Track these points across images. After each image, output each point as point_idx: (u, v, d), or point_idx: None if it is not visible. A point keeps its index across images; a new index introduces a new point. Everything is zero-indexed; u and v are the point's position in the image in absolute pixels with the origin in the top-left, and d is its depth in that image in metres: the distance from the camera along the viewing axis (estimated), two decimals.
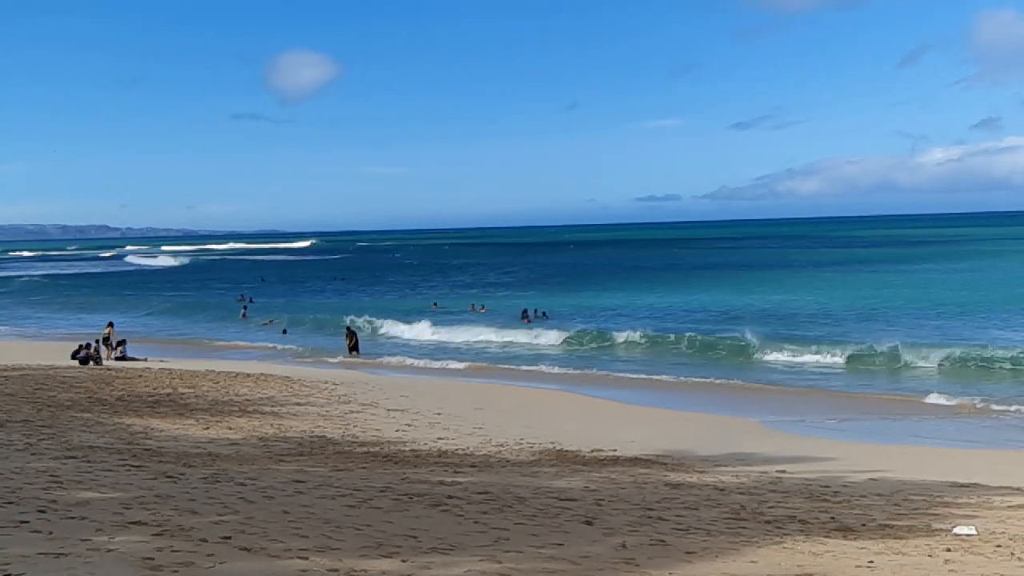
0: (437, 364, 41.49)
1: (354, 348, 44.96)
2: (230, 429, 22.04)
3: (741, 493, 15.76)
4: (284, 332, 55.26)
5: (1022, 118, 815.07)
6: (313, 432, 22.41)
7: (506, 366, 40.60)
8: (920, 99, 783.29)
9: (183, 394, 28.34)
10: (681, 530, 12.12)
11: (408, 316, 59.16)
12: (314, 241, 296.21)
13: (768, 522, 13.03)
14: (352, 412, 26.52)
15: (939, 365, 35.83)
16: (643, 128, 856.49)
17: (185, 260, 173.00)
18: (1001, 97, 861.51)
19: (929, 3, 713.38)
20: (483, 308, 63.38)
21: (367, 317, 56.93)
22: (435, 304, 67.99)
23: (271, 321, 60.30)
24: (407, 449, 20.59)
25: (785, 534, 12.16)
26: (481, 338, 48.38)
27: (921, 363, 36.10)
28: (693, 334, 43.96)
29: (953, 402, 29.31)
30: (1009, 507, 14.94)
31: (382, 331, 52.42)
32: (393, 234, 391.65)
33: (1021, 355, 35.33)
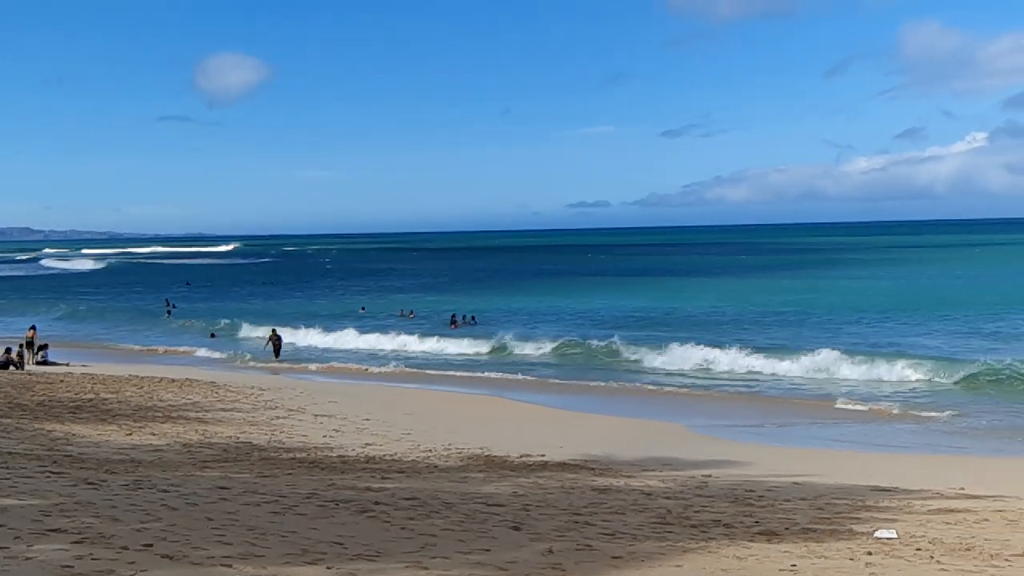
0: (365, 369, 41.27)
1: (277, 352, 44.65)
2: (153, 435, 21.71)
3: (667, 497, 15.88)
4: (212, 336, 54.60)
5: (945, 129, 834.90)
6: (239, 438, 22.16)
7: (435, 371, 40.49)
8: (846, 109, 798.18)
9: (105, 399, 27.86)
10: (608, 535, 12.17)
11: (336, 321, 58.81)
12: (237, 245, 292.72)
13: (694, 526, 13.14)
14: (279, 418, 26.27)
15: (857, 370, 36.23)
16: (575, 135, 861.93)
17: (105, 263, 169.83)
18: (925, 108, 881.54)
19: (856, 14, 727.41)
20: (412, 313, 63.17)
21: (295, 321, 56.44)
22: (363, 309, 67.64)
23: (189, 323, 59.62)
24: (334, 455, 20.44)
25: (710, 538, 12.26)
26: (410, 343, 48.16)
27: (842, 369, 36.52)
28: (613, 341, 44.05)
29: (865, 407, 29.82)
30: (929, 511, 15.22)
31: (310, 336, 51.94)
32: (322, 238, 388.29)
33: (939, 361, 36.00)
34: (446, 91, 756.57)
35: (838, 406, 30.28)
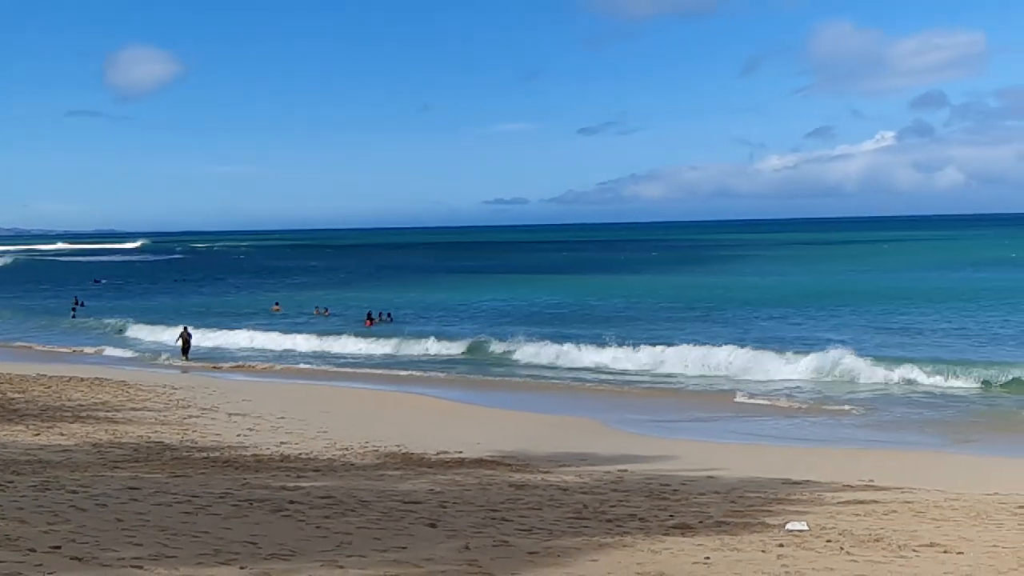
0: (280, 367, 40.88)
1: (186, 351, 44.01)
2: (62, 435, 21.24)
3: (584, 492, 15.97)
4: (119, 333, 53.62)
5: (854, 128, 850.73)
6: (150, 437, 21.79)
7: (351, 369, 40.27)
8: (759, 108, 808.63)
9: (12, 399, 27.18)
10: (524, 531, 12.20)
11: (249, 319, 58.17)
12: (145, 241, 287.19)
13: (609, 521, 13.24)
14: (191, 417, 25.89)
15: (770, 364, 36.53)
16: (492, 132, 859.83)
17: (8, 260, 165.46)
18: (835, 107, 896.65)
19: (770, 14, 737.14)
20: (327, 311, 62.65)
21: (207, 319, 55.68)
22: (276, 306, 66.88)
23: (96, 321, 58.51)
24: (248, 454, 20.20)
25: (625, 532, 12.36)
26: (325, 341, 47.74)
27: (754, 363, 36.75)
28: (529, 337, 44.09)
29: (768, 401, 30.38)
30: (839, 503, 15.52)
31: (222, 334, 51.22)
32: (234, 235, 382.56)
33: (848, 355, 36.49)
34: (363, 87, 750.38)
35: (738, 400, 30.83)
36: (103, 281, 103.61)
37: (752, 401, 30.51)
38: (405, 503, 13.89)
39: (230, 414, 26.77)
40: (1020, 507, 15.20)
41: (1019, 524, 13.79)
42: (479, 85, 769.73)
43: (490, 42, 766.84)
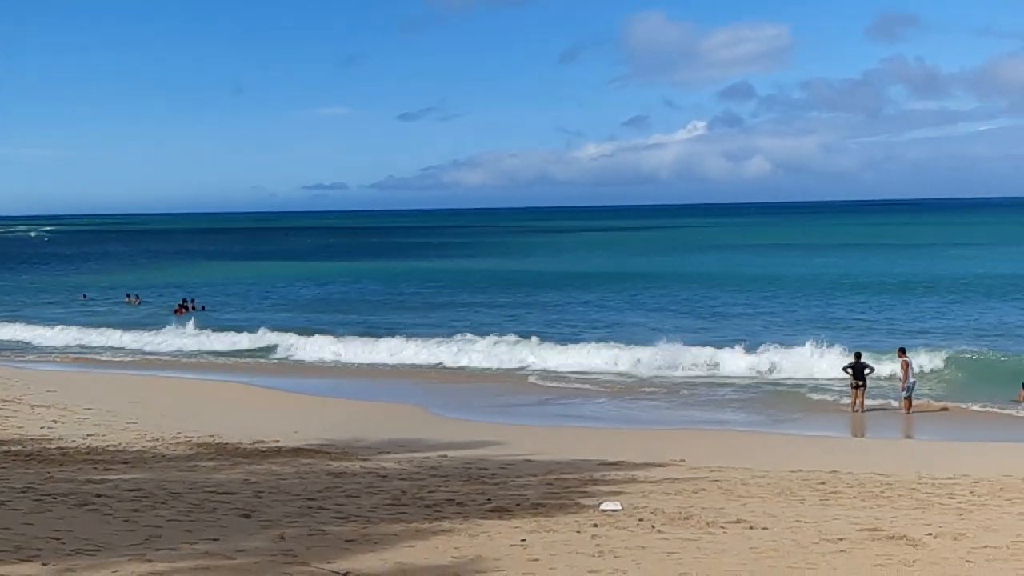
0: (88, 357, 39.41)
1: None
2: None
3: (403, 479, 15.96)
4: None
5: (667, 117, 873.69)
6: None
7: (162, 358, 39.12)
8: (577, 96, 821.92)
9: None
10: (341, 519, 12.11)
11: (55, 308, 55.89)
12: None
13: (428, 506, 13.27)
14: None
15: (547, 343, 36.88)
16: (310, 116, 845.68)
17: None
18: (650, 97, 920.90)
19: (586, 4, 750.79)
20: (137, 299, 60.58)
21: (7, 308, 53.20)
22: (84, 296, 64.36)
23: None
24: (53, 447, 19.45)
25: (444, 517, 12.41)
26: (135, 330, 46.07)
27: (557, 350, 36.54)
28: (345, 324, 43.55)
29: (550, 383, 31.08)
30: (651, 482, 15.97)
31: (25, 323, 48.93)
32: (35, 219, 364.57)
33: (661, 336, 37.26)
34: (176, 69, 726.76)
35: (531, 381, 31.64)
36: None
37: (549, 383, 31.04)
38: (218, 494, 13.59)
39: (33, 406, 25.68)
40: (821, 483, 15.96)
41: (821, 499, 14.47)
42: (296, 69, 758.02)
43: (306, 25, 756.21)
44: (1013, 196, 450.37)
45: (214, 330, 44.50)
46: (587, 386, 30.66)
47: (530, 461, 18.46)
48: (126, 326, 46.76)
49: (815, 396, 28.18)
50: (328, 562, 9.66)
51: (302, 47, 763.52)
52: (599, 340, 37.13)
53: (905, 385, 25.88)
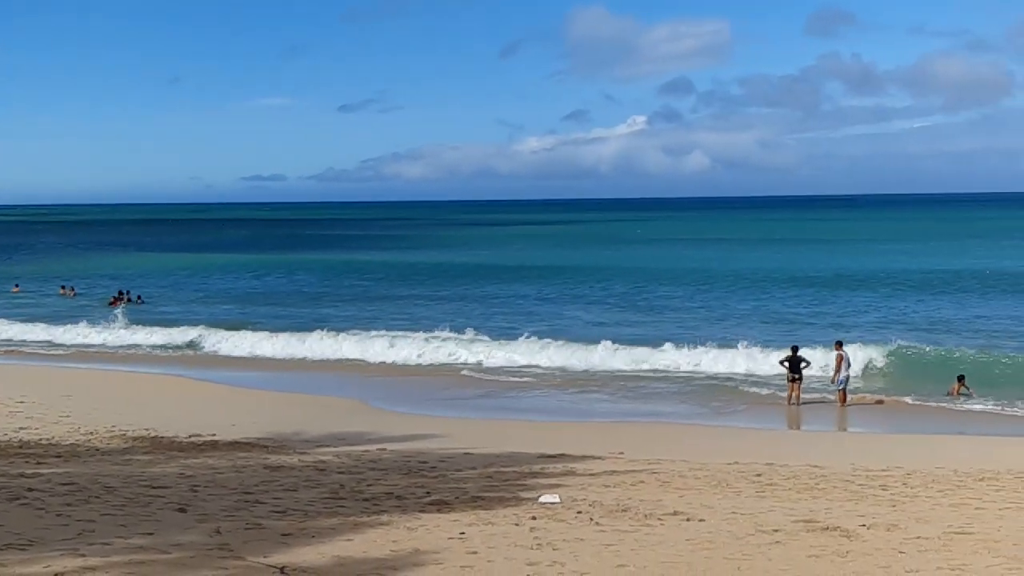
0: (20, 349, 38.73)
1: None
2: None
3: (341, 472, 15.88)
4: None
5: (608, 112, 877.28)
6: None
7: (96, 350, 38.56)
8: (518, 89, 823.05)
9: None
10: (279, 512, 12.02)
11: None
12: None
13: (366, 500, 13.21)
14: None
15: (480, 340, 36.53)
16: (249, 107, 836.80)
17: None
18: (590, 91, 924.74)
19: None
20: (72, 291, 59.60)
21: None
22: (16, 287, 63.14)
23: None
24: None
25: (382, 511, 12.37)
26: (68, 321, 45.26)
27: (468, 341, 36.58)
28: (283, 318, 43.15)
29: (489, 376, 31.18)
30: (590, 475, 16.03)
31: None
32: None
33: (602, 330, 37.44)
34: (109, 58, 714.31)
35: (463, 374, 31.72)
36: None
37: (488, 377, 31.12)
38: (153, 488, 13.44)
39: None
40: (757, 475, 16.13)
41: (757, 491, 14.63)
42: (235, 59, 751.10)
43: (245, 14, 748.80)
44: (947, 192, 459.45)
45: (148, 323, 43.87)
46: (526, 379, 30.70)
47: (469, 454, 18.45)
48: (59, 318, 45.99)
49: (752, 389, 28.41)
50: (265, 556, 9.58)
51: (242, 37, 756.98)
52: (538, 333, 36.92)
53: (837, 378, 26.23)
